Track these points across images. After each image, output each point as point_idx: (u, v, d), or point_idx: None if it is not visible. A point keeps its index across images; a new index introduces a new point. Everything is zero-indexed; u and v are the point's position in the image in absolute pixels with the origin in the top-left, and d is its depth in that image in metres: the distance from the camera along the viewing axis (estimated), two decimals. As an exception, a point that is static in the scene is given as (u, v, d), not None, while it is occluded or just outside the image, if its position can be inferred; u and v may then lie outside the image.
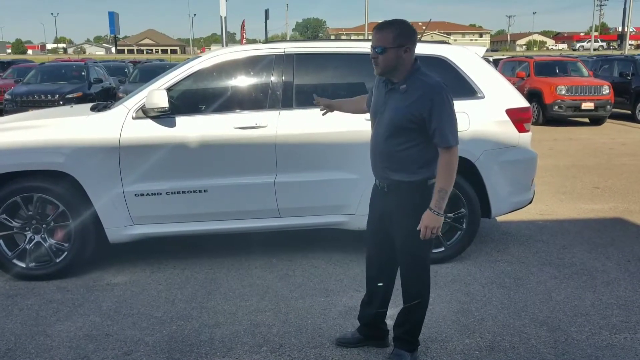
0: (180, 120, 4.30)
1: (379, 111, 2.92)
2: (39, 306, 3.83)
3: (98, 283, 4.24)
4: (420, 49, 4.67)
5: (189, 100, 4.48)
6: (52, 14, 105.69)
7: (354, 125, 4.42)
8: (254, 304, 3.86)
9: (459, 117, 4.41)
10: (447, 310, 3.74)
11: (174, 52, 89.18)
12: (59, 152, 4.17)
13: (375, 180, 3.16)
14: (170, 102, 4.17)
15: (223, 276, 4.35)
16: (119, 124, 4.25)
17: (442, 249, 4.56)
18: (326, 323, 3.56)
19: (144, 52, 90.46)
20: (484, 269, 4.47)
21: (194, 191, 4.34)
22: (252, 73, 4.59)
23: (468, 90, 4.62)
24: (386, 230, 3.02)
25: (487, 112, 4.58)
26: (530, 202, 4.92)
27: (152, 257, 4.74)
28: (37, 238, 4.27)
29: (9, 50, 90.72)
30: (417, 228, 2.79)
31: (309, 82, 4.62)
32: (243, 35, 35.53)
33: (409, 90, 2.79)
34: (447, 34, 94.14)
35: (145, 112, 4.25)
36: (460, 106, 4.50)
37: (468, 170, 4.52)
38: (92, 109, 4.75)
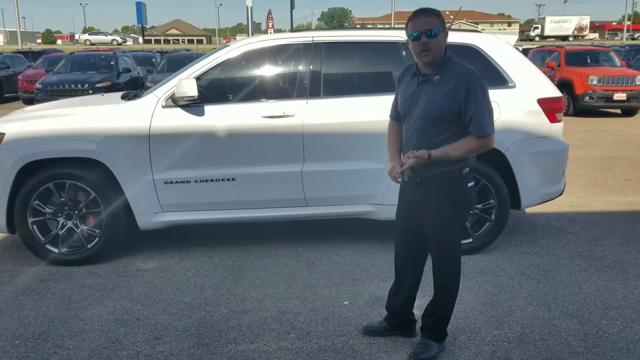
0: (208, 109, 4.33)
1: (412, 104, 2.86)
2: (71, 290, 3.92)
3: (128, 269, 4.31)
4: (451, 37, 4.63)
5: (218, 89, 4.51)
6: (81, 4, 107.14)
7: (381, 115, 4.36)
8: (281, 291, 3.88)
9: None
10: (476, 302, 3.71)
11: (200, 42, 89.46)
12: (91, 140, 4.24)
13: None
14: (199, 90, 4.20)
15: (250, 264, 4.39)
16: (149, 113, 4.30)
17: (471, 240, 4.52)
18: (353, 312, 3.57)
19: (170, 42, 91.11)
20: (513, 261, 4.41)
21: (222, 179, 4.38)
22: (280, 62, 4.59)
23: (499, 79, 4.54)
24: (416, 221, 3.01)
25: (518, 102, 4.50)
26: (561, 194, 4.83)
27: (180, 244, 4.80)
28: (70, 224, 4.36)
29: (39, 40, 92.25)
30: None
31: (337, 71, 4.61)
32: (269, 25, 35.50)
33: (442, 80, 2.75)
34: (475, 23, 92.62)
35: (174, 101, 4.29)
36: (490, 95, 4.46)
37: (498, 161, 4.47)
38: (123, 97, 4.82)
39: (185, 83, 4.17)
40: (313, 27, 78.56)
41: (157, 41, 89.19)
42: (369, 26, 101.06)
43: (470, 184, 2.93)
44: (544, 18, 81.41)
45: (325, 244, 4.78)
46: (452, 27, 4.67)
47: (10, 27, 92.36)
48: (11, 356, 3.07)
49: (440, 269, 3.01)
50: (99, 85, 12.98)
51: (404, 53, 4.50)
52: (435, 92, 2.75)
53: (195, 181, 4.36)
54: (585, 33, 77.32)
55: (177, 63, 15.10)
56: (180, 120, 4.29)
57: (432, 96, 2.75)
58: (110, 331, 3.35)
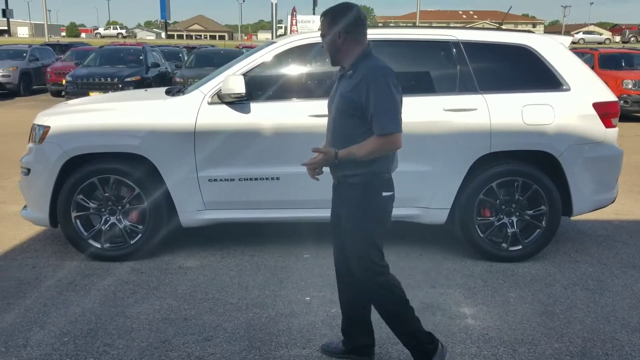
0: (255, 106, 4.25)
1: (331, 99, 2.81)
2: (116, 287, 3.88)
3: (170, 266, 4.26)
4: (503, 37, 4.54)
5: (264, 86, 4.42)
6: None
7: (429, 116, 4.30)
8: (327, 295, 3.80)
9: (543, 110, 4.32)
10: (531, 312, 3.58)
11: (222, 37, 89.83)
12: (137, 135, 4.20)
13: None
14: (245, 87, 4.13)
15: (292, 265, 4.31)
16: (195, 109, 4.23)
17: (520, 246, 4.39)
18: (404, 318, 3.47)
19: (193, 37, 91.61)
20: (564, 270, 4.27)
21: (266, 178, 4.31)
22: (327, 59, 4.48)
23: (553, 82, 4.40)
24: (338, 226, 2.82)
25: (572, 105, 4.36)
26: (613, 202, 4.68)
27: (220, 242, 4.74)
28: (113, 219, 4.32)
29: (63, 34, 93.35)
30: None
31: (386, 70, 4.49)
32: (293, 23, 35.43)
33: (354, 75, 2.63)
34: (498, 23, 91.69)
35: (220, 98, 4.22)
36: (544, 99, 4.35)
37: (550, 166, 4.34)
38: (167, 92, 4.77)
39: (233, 80, 4.10)
40: (335, 25, 78.25)
41: (180, 36, 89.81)
42: (391, 25, 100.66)
43: (386, 193, 2.70)
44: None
45: (368, 247, 4.67)
46: (486, 26, 4.54)
47: (35, 19, 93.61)
48: (61, 354, 3.03)
49: (359, 284, 2.79)
50: (128, 79, 13.03)
51: (454, 52, 4.39)
52: (346, 87, 2.66)
53: (239, 179, 4.29)
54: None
55: (205, 59, 15.14)
56: (226, 117, 4.23)
57: (342, 90, 2.68)
58: (158, 330, 3.29)
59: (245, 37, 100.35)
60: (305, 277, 4.10)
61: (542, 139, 4.31)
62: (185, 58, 19.51)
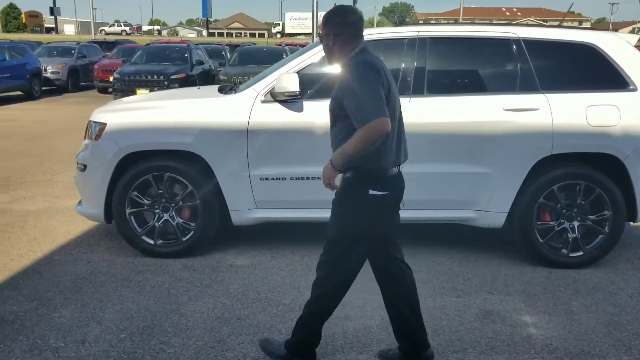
0: (308, 105, 4.20)
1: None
2: (169, 284, 3.89)
3: (222, 264, 4.26)
4: (567, 35, 4.35)
5: (317, 84, 4.35)
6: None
7: (489, 116, 4.16)
8: (381, 298, 3.70)
9: (608, 110, 4.12)
10: (596, 322, 3.42)
11: (261, 35, 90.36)
12: (190, 133, 4.20)
13: None
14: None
15: (344, 266, 4.24)
16: (248, 107, 4.21)
17: (581, 253, 4.22)
18: (463, 326, 3.36)
19: (233, 35, 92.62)
20: (629, 278, 4.08)
21: (318, 178, 4.18)
22: (382, 57, 4.36)
23: (619, 81, 4.20)
24: None
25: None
26: (681, 208, 4.43)
27: (269, 241, 4.71)
28: (166, 216, 4.34)
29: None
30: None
31: (442, 68, 4.38)
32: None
33: (342, 74, 2.63)
34: (543, 20, 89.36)
35: (274, 96, 4.19)
36: (609, 99, 4.15)
37: (615, 169, 4.14)
38: (220, 90, 4.77)
39: (286, 78, 4.06)
40: (375, 23, 77.83)
41: (220, 34, 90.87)
42: (432, 22, 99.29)
43: (374, 192, 2.61)
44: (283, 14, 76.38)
45: (419, 249, 4.57)
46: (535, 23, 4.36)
47: (80, 17, 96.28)
48: (119, 351, 3.04)
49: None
50: (174, 76, 13.20)
51: (515, 49, 4.23)
52: (336, 88, 2.65)
53: (290, 178, 4.25)
54: None
55: (248, 56, 15.22)
56: (279, 115, 4.19)
57: (333, 92, 2.66)
58: (213, 329, 3.28)
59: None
60: (359, 279, 3.99)
61: (607, 141, 4.11)
62: (228, 56, 19.70)
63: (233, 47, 22.44)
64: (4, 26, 79.37)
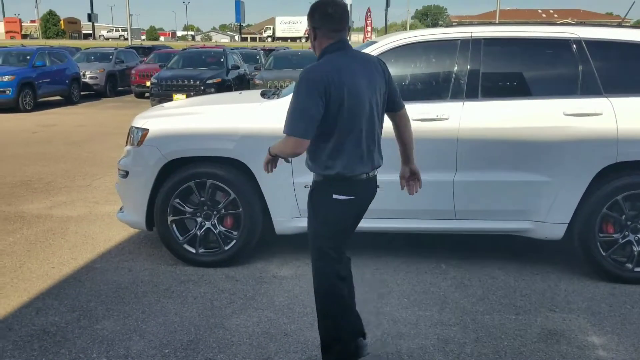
0: (355, 109, 4.02)
1: None
2: (212, 295, 3.76)
3: (265, 275, 4.11)
4: (631, 35, 4.07)
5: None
6: (183, 2, 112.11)
7: (547, 121, 3.91)
8: (434, 314, 3.51)
9: None
10: (673, 346, 3.15)
11: (293, 40, 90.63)
12: (233, 139, 4.08)
13: None
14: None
15: (391, 279, 4.05)
16: (292, 112, 4.05)
17: (650, 268, 3.92)
18: (526, 347, 3.13)
19: (265, 40, 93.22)
20: (703, 297, 3.77)
21: (366, 186, 4.06)
22: (433, 59, 4.22)
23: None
24: None
25: None
26: None
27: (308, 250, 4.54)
28: (208, 224, 4.22)
29: (143, 37, 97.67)
30: None
31: (498, 71, 4.16)
32: (367, 23, 35.17)
33: None
34: (581, 22, 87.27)
35: (319, 100, 4.02)
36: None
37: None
38: (262, 95, 4.64)
39: (334, 81, 3.89)
40: (408, 26, 77.26)
41: (253, 39, 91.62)
42: (466, 23, 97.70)
43: (337, 197, 2.62)
44: (273, 19, 74.78)
45: (470, 261, 4.35)
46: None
47: (117, 23, 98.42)
48: (163, 366, 2.92)
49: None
50: (210, 81, 13.21)
51: (575, 50, 3.98)
52: None
53: (337, 186, 4.07)
54: None
55: (283, 61, 15.15)
56: (325, 120, 4.02)
57: None
58: (259, 345, 3.12)
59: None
60: (408, 293, 3.82)
61: None
62: (262, 60, 19.69)
63: (267, 51, 22.46)
64: (44, 32, 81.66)
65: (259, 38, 79.87)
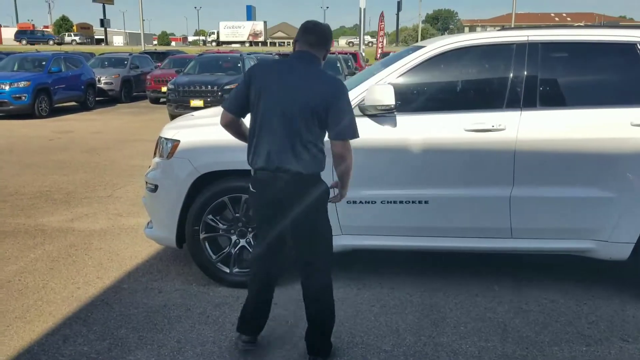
0: (402, 119, 3.74)
1: None
2: (250, 321, 3.46)
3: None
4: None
5: (412, 96, 3.90)
6: (195, 7, 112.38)
7: (614, 132, 3.60)
8: (497, 346, 3.19)
9: None
10: None
11: (236, 44, 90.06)
12: (271, 151, 3.79)
13: None
14: (390, 98, 3.62)
15: (442, 302, 3.74)
16: (335, 122, 3.77)
17: None
18: (607, 386, 2.81)
19: (277, 44, 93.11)
20: None
21: (413, 202, 3.77)
22: (486, 65, 3.93)
23: None
24: None
25: None
26: None
27: (350, 270, 4.24)
28: (242, 242, 3.94)
29: (155, 42, 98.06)
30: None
31: (557, 77, 3.85)
32: (381, 27, 34.88)
33: None
34: (556, 27, 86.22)
35: (362, 110, 3.74)
36: None
37: None
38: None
39: (381, 90, 3.60)
40: (419, 30, 76.78)
41: (264, 44, 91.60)
42: (478, 29, 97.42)
43: (251, 189, 2.91)
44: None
45: (525, 283, 4.03)
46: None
47: (129, 29, 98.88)
48: (206, 407, 2.63)
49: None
50: (228, 87, 12.95)
51: (640, 55, 3.66)
52: None
53: (381, 202, 3.79)
54: (260, 39, 72.34)
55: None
56: (368, 132, 3.72)
57: None
58: (309, 383, 2.83)
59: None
60: (463, 319, 3.51)
61: None
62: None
63: (283, 56, 22.22)
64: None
65: (204, 42, 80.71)
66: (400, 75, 3.83)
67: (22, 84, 13.80)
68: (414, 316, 3.55)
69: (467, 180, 3.73)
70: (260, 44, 73.85)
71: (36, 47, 46.39)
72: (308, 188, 2.77)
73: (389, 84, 3.70)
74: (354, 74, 16.18)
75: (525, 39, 3.79)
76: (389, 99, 3.57)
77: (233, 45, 65.43)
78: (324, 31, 2.83)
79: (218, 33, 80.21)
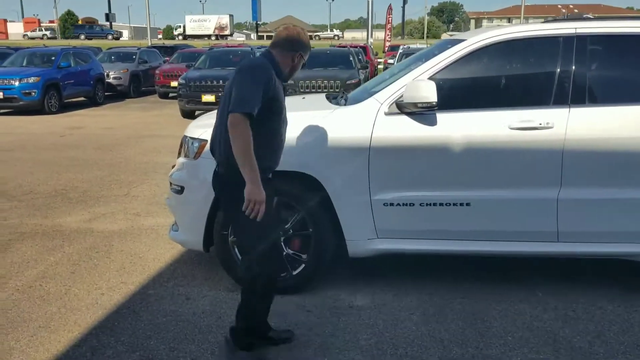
0: (442, 117, 3.54)
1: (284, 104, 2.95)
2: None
3: (339, 304, 3.65)
4: None
5: (453, 92, 3.68)
6: (200, 1, 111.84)
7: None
8: (550, 359, 3.01)
9: None
10: None
11: (201, 38, 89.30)
12: (303, 152, 3.62)
13: (269, 172, 2.92)
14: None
15: (484, 309, 3.56)
16: (370, 121, 3.59)
17: None
18: (676, 405, 2.62)
19: (319, 37, 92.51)
20: None
21: (454, 204, 3.59)
22: (532, 59, 3.72)
23: None
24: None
25: None
26: None
27: (386, 274, 4.06)
28: (273, 247, 3.76)
29: (159, 36, 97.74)
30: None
31: (608, 72, 3.65)
32: (389, 20, 34.57)
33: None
34: (601, 18, 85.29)
35: (401, 107, 3.55)
36: None
37: None
38: (329, 100, 4.18)
39: (422, 85, 3.41)
40: (425, 23, 76.29)
41: (269, 37, 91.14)
42: (485, 21, 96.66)
43: None
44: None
45: (568, 287, 3.84)
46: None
47: (134, 23, 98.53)
48: None
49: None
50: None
51: (699, 48, 3.45)
52: None
53: (420, 204, 3.60)
54: (226, 32, 73.84)
55: (312, 59, 14.54)
56: (408, 130, 3.55)
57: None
58: (356, 400, 2.66)
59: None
60: (510, 329, 3.32)
61: None
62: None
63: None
64: (62, 33, 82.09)
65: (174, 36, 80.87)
66: (439, 71, 3.62)
67: (31, 80, 13.64)
68: (457, 325, 3.37)
69: (512, 181, 3.54)
70: (226, 37, 73.91)
71: (44, 42, 46.26)
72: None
73: (429, 79, 3.51)
74: (366, 67, 15.95)
75: (572, 31, 3.58)
76: (431, 96, 3.38)
77: (196, 40, 65.12)
78: (278, 34, 2.92)
79: (184, 27, 79.93)
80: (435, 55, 3.75)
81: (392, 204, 3.62)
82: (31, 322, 3.40)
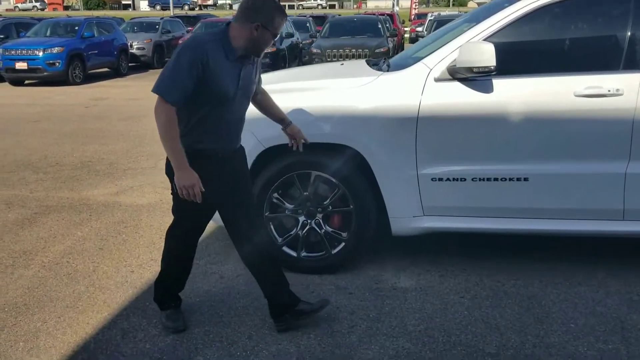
0: (498, 83, 3.22)
1: (236, 86, 2.61)
2: (327, 314, 3.06)
3: (382, 285, 3.41)
4: None
5: (511, 56, 3.33)
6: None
7: None
8: (620, 349, 2.73)
9: None
10: None
11: (332, 7, 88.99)
12: (346, 122, 3.34)
13: (220, 151, 2.69)
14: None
15: (541, 293, 3.28)
16: (419, 88, 3.28)
17: None
18: None
19: (303, 7, 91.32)
20: None
21: (511, 179, 3.29)
22: (599, 19, 3.36)
23: None
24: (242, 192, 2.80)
25: None
26: None
27: (426, 253, 3.80)
28: (311, 224, 3.52)
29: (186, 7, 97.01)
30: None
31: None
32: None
33: (255, 61, 2.76)
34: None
35: (452, 73, 3.23)
36: None
37: None
38: (371, 65, 3.87)
39: (478, 48, 3.07)
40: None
41: (291, 7, 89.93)
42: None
43: None
44: None
45: (626, 267, 3.54)
46: None
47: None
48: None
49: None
50: (265, 50, 12.42)
51: None
52: (253, 73, 2.72)
53: (472, 179, 3.31)
54: (208, 2, 72.30)
55: (340, 27, 14.31)
56: (460, 97, 3.24)
57: (252, 77, 2.72)
58: (409, 394, 2.43)
59: (355, 6, 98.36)
60: (571, 315, 3.05)
61: None
62: (312, 28, 18.79)
63: (316, 18, 21.51)
64: (85, 3, 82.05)
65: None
66: (496, 32, 3.28)
67: (55, 50, 13.51)
68: (513, 310, 3.10)
69: (575, 154, 3.21)
70: (209, 7, 73.29)
71: (66, 12, 46.23)
72: None
73: (485, 41, 3.17)
74: (395, 35, 15.46)
75: (634, -15, 3.19)
76: (489, 60, 3.04)
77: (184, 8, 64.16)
78: (241, 2, 2.62)
79: None
80: (490, 16, 3.40)
81: (441, 179, 3.34)
82: (58, 302, 3.23)
